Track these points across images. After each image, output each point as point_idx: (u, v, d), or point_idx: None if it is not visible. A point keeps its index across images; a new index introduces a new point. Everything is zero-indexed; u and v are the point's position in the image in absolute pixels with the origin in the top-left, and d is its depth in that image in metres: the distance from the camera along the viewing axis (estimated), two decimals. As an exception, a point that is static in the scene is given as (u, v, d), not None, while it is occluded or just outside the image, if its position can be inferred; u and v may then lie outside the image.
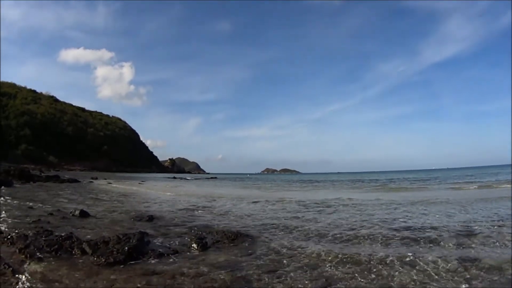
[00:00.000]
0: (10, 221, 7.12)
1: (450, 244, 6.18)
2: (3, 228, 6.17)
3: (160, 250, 5.66)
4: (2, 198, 10.68)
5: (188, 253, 5.66)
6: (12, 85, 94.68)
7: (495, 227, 7.74)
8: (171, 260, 5.19)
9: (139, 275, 4.36)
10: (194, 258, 5.37)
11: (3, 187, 14.33)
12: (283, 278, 4.59)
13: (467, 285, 4.07)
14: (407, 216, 9.91)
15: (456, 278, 4.33)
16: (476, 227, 7.69)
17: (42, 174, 27.98)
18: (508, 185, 21.72)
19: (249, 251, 5.97)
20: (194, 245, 6.16)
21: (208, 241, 6.49)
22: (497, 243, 6.17)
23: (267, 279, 4.50)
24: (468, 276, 4.36)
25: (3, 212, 8.19)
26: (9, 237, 5.51)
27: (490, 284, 4.02)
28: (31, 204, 10.15)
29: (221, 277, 4.45)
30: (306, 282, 4.41)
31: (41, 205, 10.22)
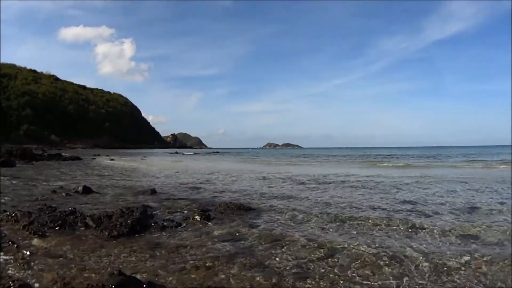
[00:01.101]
0: (13, 200, 7.16)
1: (452, 219, 6.21)
2: (7, 207, 6.19)
3: (163, 222, 5.70)
4: (5, 178, 10.72)
5: (191, 225, 5.70)
6: (12, 66, 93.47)
7: (497, 204, 7.77)
8: (174, 232, 5.22)
9: (143, 247, 4.39)
10: (197, 230, 5.40)
11: (6, 167, 14.39)
12: (287, 248, 4.62)
13: (468, 257, 4.10)
14: (408, 191, 9.92)
15: (457, 250, 4.36)
16: (478, 204, 7.72)
17: (45, 153, 28.01)
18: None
19: (252, 223, 6.01)
20: (197, 217, 6.20)
21: (211, 213, 6.53)
22: (499, 220, 6.20)
23: (271, 250, 4.53)
24: (469, 249, 4.38)
25: (7, 191, 8.23)
26: (13, 215, 5.54)
27: (491, 258, 4.04)
28: (34, 183, 10.21)
29: (225, 249, 4.48)
30: (310, 252, 4.44)
31: (44, 183, 10.29)
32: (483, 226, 5.78)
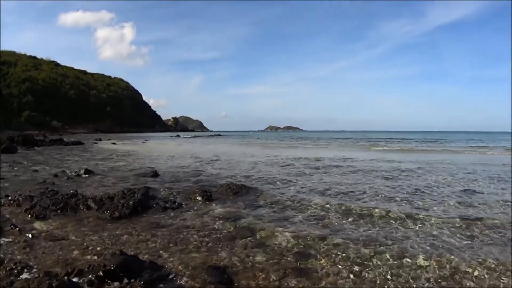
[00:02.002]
0: (16, 185, 7.17)
1: (452, 203, 6.19)
2: (9, 192, 6.20)
3: (165, 203, 5.70)
4: (6, 164, 10.74)
5: (193, 206, 5.70)
6: (12, 53, 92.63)
7: (499, 189, 7.73)
8: (176, 213, 5.23)
9: (145, 228, 4.40)
10: (199, 210, 5.41)
11: (7, 153, 14.40)
12: (288, 228, 4.62)
13: (469, 241, 4.08)
14: (409, 175, 9.87)
15: (458, 234, 4.34)
16: (478, 189, 7.69)
17: (46, 139, 28.04)
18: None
19: (254, 203, 6.01)
20: (199, 198, 6.20)
21: (212, 194, 6.53)
22: (499, 204, 6.16)
23: (272, 229, 4.53)
24: (469, 233, 4.37)
25: (9, 177, 8.24)
26: (15, 199, 5.56)
27: (492, 242, 4.02)
28: (36, 167, 10.23)
29: (226, 228, 4.49)
30: (312, 231, 4.44)
31: (46, 168, 10.31)
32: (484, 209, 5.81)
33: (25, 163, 11.44)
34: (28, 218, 4.65)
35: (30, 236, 3.93)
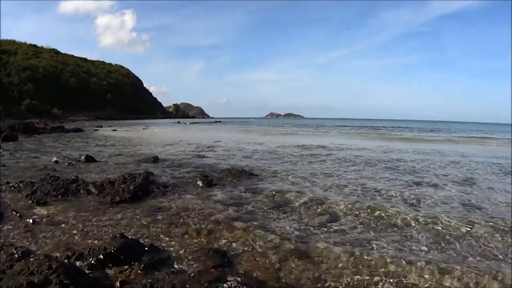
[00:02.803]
0: (17, 172, 7.16)
1: (454, 190, 6.16)
2: (9, 179, 6.19)
3: (166, 188, 5.70)
4: (7, 152, 10.74)
5: (193, 191, 5.70)
6: (12, 42, 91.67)
7: (499, 177, 7.68)
8: (176, 197, 5.22)
9: (145, 212, 4.40)
10: (200, 195, 5.40)
11: (8, 142, 14.39)
12: (289, 213, 4.62)
13: (469, 228, 4.06)
14: (411, 162, 9.81)
15: (458, 220, 4.32)
16: (479, 177, 7.64)
17: (47, 126, 27.97)
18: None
19: (254, 188, 5.99)
20: (199, 183, 6.19)
21: (213, 179, 6.52)
22: (500, 192, 6.13)
23: (272, 215, 4.53)
24: (469, 220, 4.35)
25: (10, 164, 8.23)
26: (15, 185, 5.55)
27: (491, 230, 4.00)
28: (36, 154, 10.21)
29: (227, 213, 4.48)
30: (313, 217, 4.43)
31: (47, 155, 10.29)
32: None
33: (26, 150, 11.43)
34: (29, 204, 4.64)
35: (31, 221, 3.93)
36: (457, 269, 2.90)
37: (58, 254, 3.01)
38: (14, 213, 4.16)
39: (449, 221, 4.20)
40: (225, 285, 2.45)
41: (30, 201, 4.73)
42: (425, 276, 2.86)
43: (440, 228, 4.04)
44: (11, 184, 5.62)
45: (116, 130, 28.48)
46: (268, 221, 4.22)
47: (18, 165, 8.12)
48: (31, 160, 8.99)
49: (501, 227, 4.02)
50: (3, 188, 5.46)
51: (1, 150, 10.72)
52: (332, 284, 2.79)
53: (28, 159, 9.27)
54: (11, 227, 3.76)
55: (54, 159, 8.85)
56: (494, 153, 13.97)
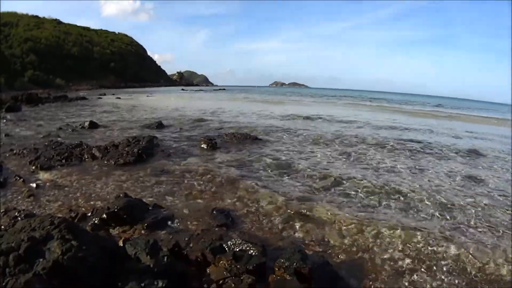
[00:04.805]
0: (20, 140, 7.12)
1: (458, 163, 6.02)
2: (14, 147, 6.16)
3: (170, 151, 5.64)
4: (11, 122, 10.70)
5: (197, 153, 5.63)
6: (13, 14, 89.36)
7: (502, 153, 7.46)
8: (180, 159, 5.16)
9: (149, 174, 4.36)
10: (204, 157, 5.34)
11: (12, 112, 14.34)
12: (293, 176, 4.54)
13: (471, 199, 3.93)
14: (416, 134, 9.52)
15: (462, 192, 4.19)
16: (483, 152, 7.42)
17: (50, 96, 27.77)
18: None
19: (259, 152, 5.90)
20: (204, 146, 6.11)
21: (217, 142, 6.43)
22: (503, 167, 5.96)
23: (276, 177, 4.45)
24: (472, 192, 4.21)
25: (14, 133, 8.20)
26: (20, 152, 5.52)
27: (493, 202, 3.87)
28: (41, 122, 10.17)
29: (231, 174, 4.42)
30: (317, 181, 4.35)
31: (50, 123, 10.24)
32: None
33: (30, 119, 11.38)
34: (33, 169, 4.61)
35: (34, 186, 3.90)
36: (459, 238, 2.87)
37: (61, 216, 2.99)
38: (18, 178, 4.14)
39: (451, 191, 4.13)
40: (229, 242, 2.41)
41: (33, 167, 4.69)
42: (429, 241, 2.81)
43: (442, 197, 3.94)
44: (14, 151, 5.58)
45: (120, 98, 28.23)
46: (272, 183, 4.16)
47: (22, 134, 8.08)
48: (35, 129, 8.95)
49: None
50: (7, 155, 5.43)
51: (4, 121, 10.68)
52: (336, 244, 2.75)
53: (32, 127, 9.23)
54: (15, 192, 3.74)
55: (58, 126, 8.80)
56: (498, 131, 13.59)
